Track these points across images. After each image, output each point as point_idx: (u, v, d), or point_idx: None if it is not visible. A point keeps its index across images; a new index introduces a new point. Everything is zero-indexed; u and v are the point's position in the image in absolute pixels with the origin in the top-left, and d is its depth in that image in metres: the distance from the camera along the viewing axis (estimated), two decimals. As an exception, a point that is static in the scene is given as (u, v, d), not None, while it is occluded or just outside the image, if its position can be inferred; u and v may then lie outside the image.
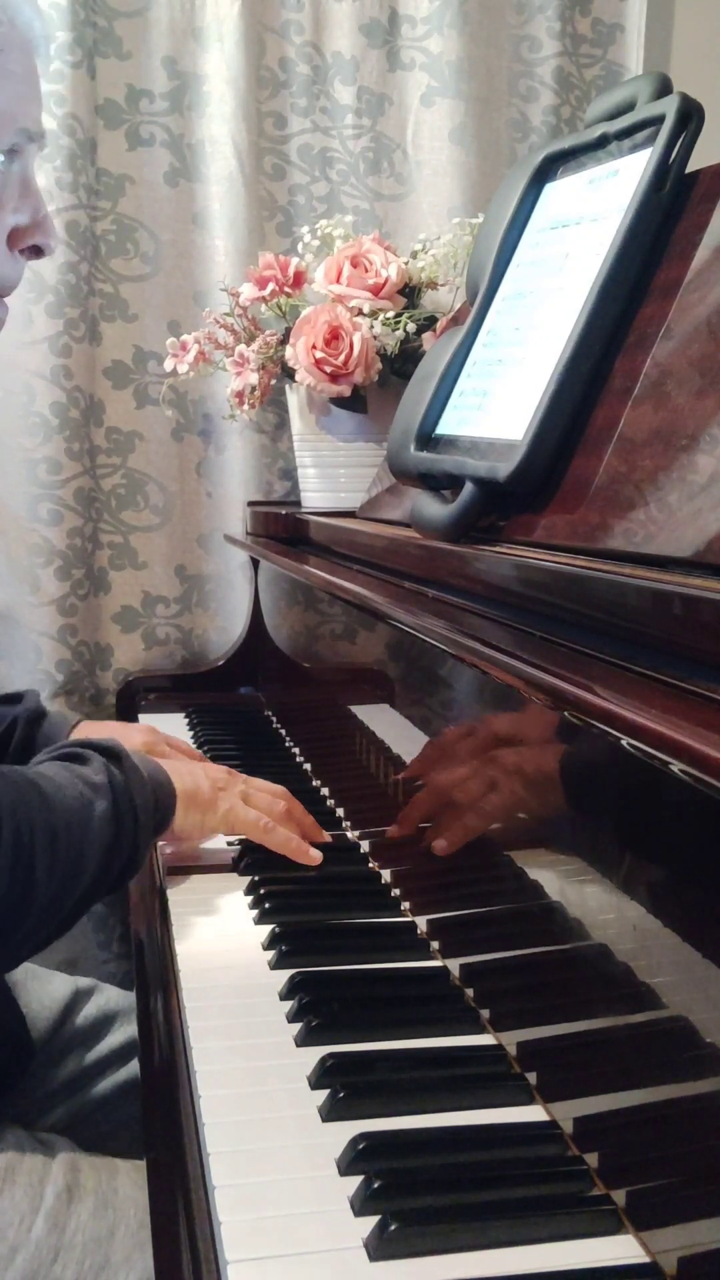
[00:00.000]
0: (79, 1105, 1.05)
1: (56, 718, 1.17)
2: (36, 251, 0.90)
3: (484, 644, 0.71)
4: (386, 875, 0.99)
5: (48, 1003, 1.08)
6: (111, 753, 0.91)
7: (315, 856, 0.99)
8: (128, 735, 1.11)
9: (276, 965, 0.83)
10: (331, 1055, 0.70)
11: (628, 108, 0.92)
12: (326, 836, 1.05)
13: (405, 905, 0.93)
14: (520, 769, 0.76)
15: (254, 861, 1.00)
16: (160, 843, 1.03)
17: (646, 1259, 0.55)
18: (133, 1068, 1.06)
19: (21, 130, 0.84)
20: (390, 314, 1.36)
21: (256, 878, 0.97)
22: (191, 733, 1.49)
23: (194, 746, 1.42)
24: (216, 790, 0.99)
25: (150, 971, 0.85)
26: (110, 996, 1.13)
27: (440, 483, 0.95)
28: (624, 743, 0.52)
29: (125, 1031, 1.09)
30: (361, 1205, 0.57)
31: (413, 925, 0.90)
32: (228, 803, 0.98)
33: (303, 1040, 0.73)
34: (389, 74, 1.75)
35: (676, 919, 0.55)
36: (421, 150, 1.76)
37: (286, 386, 1.49)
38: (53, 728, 1.14)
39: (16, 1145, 0.83)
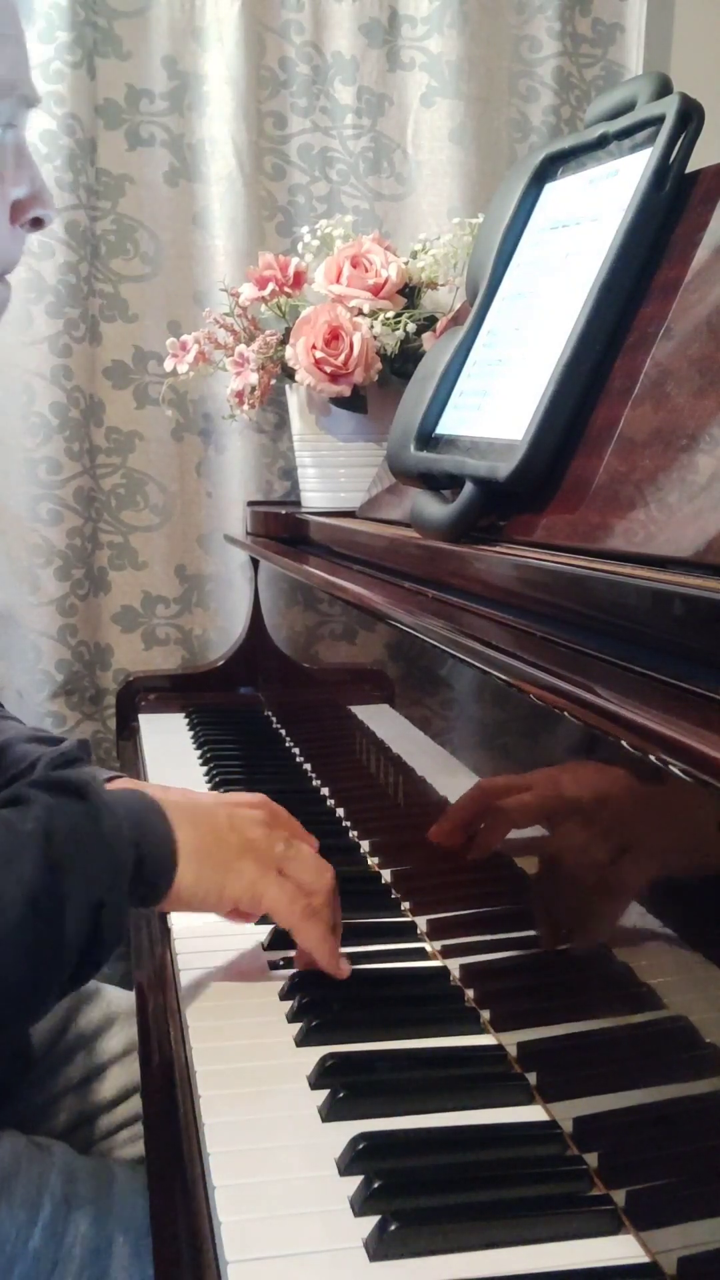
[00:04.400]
0: (80, 1109, 1.04)
1: (88, 771, 0.90)
2: (37, 223, 0.84)
3: (484, 644, 0.71)
4: (386, 875, 0.99)
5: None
6: (69, 787, 0.70)
7: (345, 970, 0.78)
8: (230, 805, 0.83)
9: (277, 965, 0.83)
10: (331, 1055, 0.70)
11: (628, 108, 0.92)
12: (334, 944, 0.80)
13: (405, 905, 0.93)
14: (525, 778, 0.76)
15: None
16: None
17: (646, 1259, 0.55)
18: (134, 1070, 1.05)
19: (21, 97, 0.79)
20: (390, 314, 1.36)
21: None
22: (191, 733, 1.49)
23: (195, 748, 1.42)
24: (244, 849, 0.76)
25: (148, 972, 0.85)
26: (111, 999, 1.12)
27: (440, 483, 0.95)
28: (624, 743, 0.52)
29: (126, 1034, 1.08)
30: (361, 1205, 0.57)
31: (413, 925, 0.90)
32: (253, 871, 0.76)
33: (303, 1040, 0.73)
34: (389, 74, 1.75)
35: (677, 919, 0.55)
36: (421, 150, 1.76)
37: (286, 386, 1.49)
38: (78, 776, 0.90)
39: (14, 1154, 0.82)
